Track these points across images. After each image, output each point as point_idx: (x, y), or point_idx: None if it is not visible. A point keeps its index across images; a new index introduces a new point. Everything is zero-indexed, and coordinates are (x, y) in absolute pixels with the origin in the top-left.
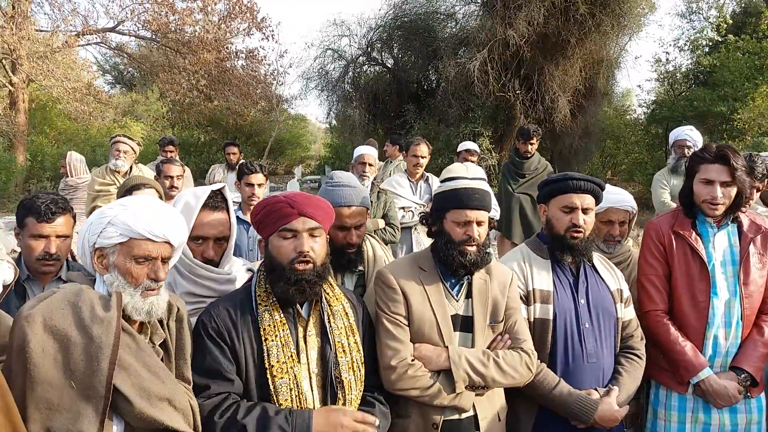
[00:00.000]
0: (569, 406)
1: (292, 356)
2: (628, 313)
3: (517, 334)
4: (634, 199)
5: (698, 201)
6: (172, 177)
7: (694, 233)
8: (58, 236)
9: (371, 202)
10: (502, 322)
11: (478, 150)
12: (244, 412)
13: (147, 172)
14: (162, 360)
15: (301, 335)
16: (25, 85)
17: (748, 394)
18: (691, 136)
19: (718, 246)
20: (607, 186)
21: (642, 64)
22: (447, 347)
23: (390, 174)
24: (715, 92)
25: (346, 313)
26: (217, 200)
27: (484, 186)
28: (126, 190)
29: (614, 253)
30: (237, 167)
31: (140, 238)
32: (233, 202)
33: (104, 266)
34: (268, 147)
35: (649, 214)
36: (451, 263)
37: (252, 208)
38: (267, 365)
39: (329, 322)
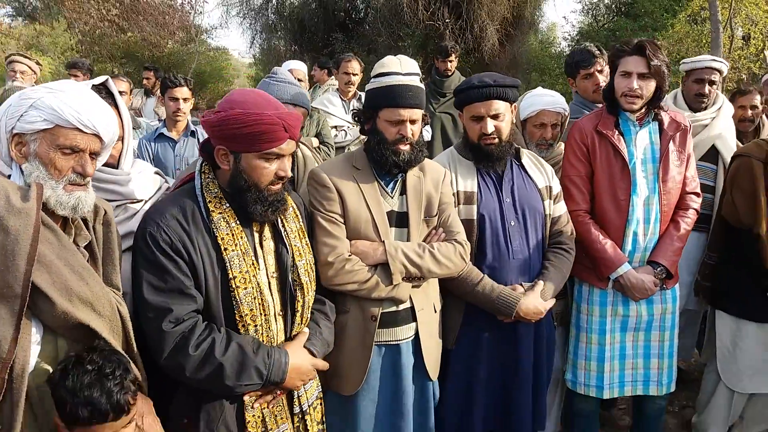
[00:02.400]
0: (492, 301)
1: (253, 264)
2: (557, 209)
3: (450, 227)
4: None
5: (618, 95)
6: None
7: (616, 132)
8: None
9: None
10: (436, 217)
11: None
12: (222, 349)
13: None
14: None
15: (257, 241)
16: None
17: (664, 286)
18: None
19: (640, 144)
20: (539, 89)
21: None
22: (383, 242)
23: (320, 98)
24: (637, 23)
25: (296, 215)
26: (101, 95)
27: (417, 82)
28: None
29: (547, 157)
30: (153, 92)
31: (68, 126)
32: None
33: (23, 155)
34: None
35: None
36: (385, 163)
37: (178, 124)
38: (230, 276)
39: (283, 225)
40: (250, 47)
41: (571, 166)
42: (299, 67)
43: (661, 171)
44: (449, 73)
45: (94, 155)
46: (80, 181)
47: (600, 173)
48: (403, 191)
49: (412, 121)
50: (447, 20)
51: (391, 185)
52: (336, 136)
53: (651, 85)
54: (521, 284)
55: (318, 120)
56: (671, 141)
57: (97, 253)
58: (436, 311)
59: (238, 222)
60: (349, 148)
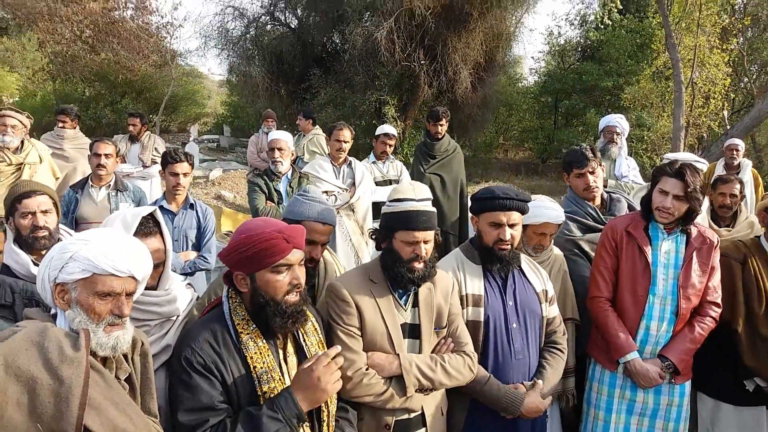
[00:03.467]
0: (499, 400)
1: (280, 380)
2: (552, 311)
3: (459, 338)
4: (524, 164)
5: (653, 207)
6: (100, 155)
7: (645, 235)
8: None
9: (292, 188)
10: (446, 328)
11: (395, 134)
12: (232, 425)
13: (41, 146)
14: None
15: (281, 357)
16: None
17: (672, 380)
18: (621, 123)
19: (664, 250)
20: (543, 199)
21: (536, 36)
22: (398, 355)
23: (303, 148)
24: (602, 67)
25: (316, 329)
26: (149, 225)
27: (430, 207)
28: (14, 199)
29: (539, 258)
30: (139, 138)
31: (104, 273)
32: (131, 174)
33: (66, 301)
34: (162, 104)
35: (539, 179)
36: (401, 279)
37: (177, 197)
38: (259, 392)
39: (304, 340)
40: (229, 74)
41: (600, 258)
42: (283, 137)
43: (681, 277)
44: (440, 136)
45: (129, 295)
46: (118, 321)
47: (624, 268)
48: (416, 303)
49: (426, 242)
50: (422, 62)
51: (404, 298)
52: (327, 201)
53: (684, 207)
54: (522, 383)
55: (307, 186)
56: (696, 252)
57: (136, 384)
58: (443, 414)
59: (264, 341)
60: (338, 212)
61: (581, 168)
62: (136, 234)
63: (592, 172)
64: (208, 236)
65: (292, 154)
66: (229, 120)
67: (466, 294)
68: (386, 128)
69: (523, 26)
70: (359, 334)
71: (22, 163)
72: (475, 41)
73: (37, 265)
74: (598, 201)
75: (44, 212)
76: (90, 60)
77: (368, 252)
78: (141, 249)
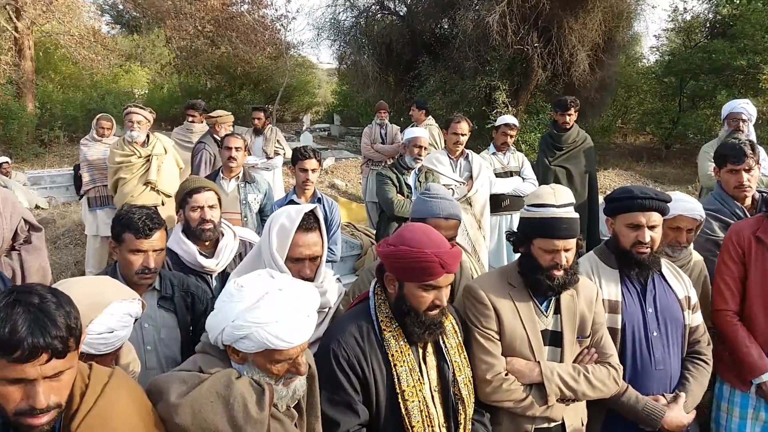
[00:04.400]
0: (637, 411)
1: (419, 379)
2: (695, 319)
3: (603, 349)
4: (645, 150)
5: None
6: (231, 148)
7: None
8: (154, 250)
9: (420, 182)
10: (589, 337)
11: (517, 124)
12: None
13: (165, 140)
14: (295, 423)
15: (421, 357)
16: (29, 31)
17: None
18: (747, 109)
19: None
20: (678, 193)
21: (659, 13)
22: (539, 362)
23: None
24: (735, 45)
25: (455, 331)
26: (310, 221)
27: (572, 213)
28: (186, 193)
29: (677, 257)
30: (263, 131)
31: (281, 347)
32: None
33: (240, 358)
34: (278, 95)
35: (662, 166)
36: (539, 286)
37: (306, 192)
38: (398, 390)
39: (443, 342)
40: (339, 65)
41: (725, 266)
42: (423, 134)
43: None
44: (567, 127)
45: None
46: (295, 378)
47: (753, 277)
48: (557, 310)
49: (567, 249)
50: (536, 45)
51: (545, 304)
52: None
53: None
54: (663, 395)
55: (433, 180)
56: None
57: (303, 408)
58: (582, 424)
59: (405, 340)
60: None
61: (737, 164)
62: (299, 229)
63: (748, 170)
64: (334, 229)
65: (425, 149)
66: (339, 109)
67: (602, 300)
68: (507, 118)
69: (644, 2)
70: (498, 338)
71: (150, 155)
72: (593, 21)
73: (203, 255)
74: (748, 202)
75: (211, 207)
76: (211, 54)
77: (485, 246)
78: (311, 312)
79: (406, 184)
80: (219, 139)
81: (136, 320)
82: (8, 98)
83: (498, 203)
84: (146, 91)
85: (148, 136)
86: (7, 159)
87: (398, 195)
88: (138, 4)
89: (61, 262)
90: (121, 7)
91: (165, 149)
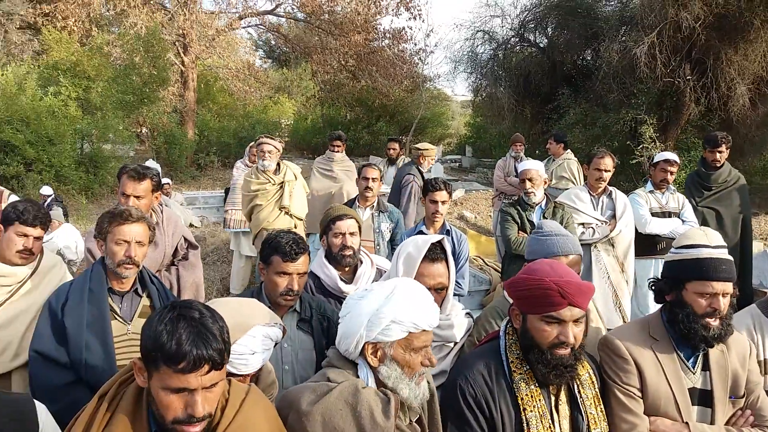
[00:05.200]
0: None
1: (549, 427)
2: None
3: (761, 411)
4: None
5: None
6: (368, 179)
7: None
8: (298, 274)
9: (546, 219)
10: (743, 398)
11: (678, 161)
12: None
13: (293, 167)
14: None
15: (553, 404)
16: (193, 65)
17: None
18: None
19: None
20: None
21: None
22: (687, 423)
23: (552, 173)
24: None
25: (593, 382)
26: (437, 252)
27: (727, 255)
28: (330, 220)
29: None
30: (396, 161)
31: (419, 331)
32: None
33: (379, 359)
34: (413, 127)
35: None
36: (693, 337)
37: (435, 224)
38: None
39: (579, 391)
40: (475, 97)
41: None
42: (534, 166)
43: None
44: (717, 165)
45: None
46: (425, 371)
47: None
48: (706, 367)
49: (724, 294)
50: (688, 77)
51: (692, 359)
52: (583, 233)
53: None
54: None
55: (562, 216)
56: None
57: (425, 424)
58: None
59: (536, 384)
60: (595, 246)
61: None
62: (424, 258)
63: None
64: (461, 262)
65: (544, 183)
66: (471, 140)
67: (765, 359)
68: (667, 155)
69: None
70: (640, 395)
71: (282, 182)
72: (755, 52)
73: (343, 280)
74: None
75: (351, 234)
76: (351, 87)
77: (628, 292)
78: (431, 299)
79: (529, 221)
80: (423, 171)
81: (276, 344)
82: (172, 125)
83: (652, 245)
84: (291, 122)
85: (278, 164)
86: (168, 180)
87: (519, 232)
88: (288, 40)
89: (209, 278)
90: (273, 42)
91: (295, 175)
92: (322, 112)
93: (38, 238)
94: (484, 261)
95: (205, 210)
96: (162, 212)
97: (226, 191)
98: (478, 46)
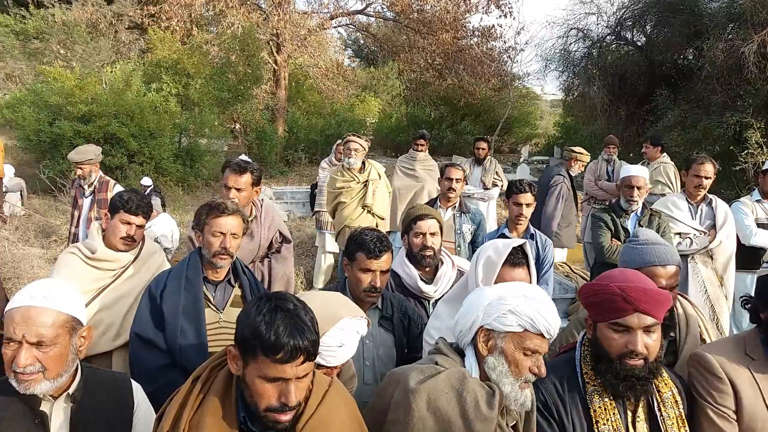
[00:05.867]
0: None
1: None
2: None
3: None
4: None
5: None
6: (451, 179)
7: None
8: (382, 271)
9: (642, 227)
10: None
11: None
12: None
13: (377, 166)
14: None
15: (629, 420)
16: (285, 63)
17: None
18: None
19: None
20: None
21: None
22: None
23: (648, 177)
24: None
25: (676, 402)
26: (518, 257)
27: None
28: (411, 219)
29: None
30: (483, 161)
31: (535, 332)
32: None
33: (488, 348)
34: (499, 126)
35: None
36: None
37: (519, 227)
38: None
39: (659, 409)
40: (566, 96)
41: None
42: (642, 173)
43: None
44: None
45: None
46: (532, 379)
47: None
48: None
49: None
50: None
51: None
52: (679, 243)
53: None
54: None
55: (659, 225)
56: None
57: (520, 430)
58: None
59: (611, 397)
60: (693, 258)
61: None
62: (505, 263)
63: None
64: (546, 268)
65: (646, 191)
66: (561, 141)
67: None
68: None
69: None
70: (735, 417)
71: (367, 180)
72: None
73: (423, 280)
74: None
75: (432, 234)
76: (437, 86)
77: (727, 308)
78: (555, 309)
79: (624, 228)
80: (573, 175)
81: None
82: (264, 122)
83: (755, 259)
84: (376, 120)
85: (363, 162)
86: None
87: (613, 240)
88: (377, 39)
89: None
90: (361, 42)
91: (379, 175)
92: (407, 110)
93: (140, 226)
94: (570, 268)
95: (292, 205)
96: (261, 206)
97: (312, 187)
98: (571, 44)
